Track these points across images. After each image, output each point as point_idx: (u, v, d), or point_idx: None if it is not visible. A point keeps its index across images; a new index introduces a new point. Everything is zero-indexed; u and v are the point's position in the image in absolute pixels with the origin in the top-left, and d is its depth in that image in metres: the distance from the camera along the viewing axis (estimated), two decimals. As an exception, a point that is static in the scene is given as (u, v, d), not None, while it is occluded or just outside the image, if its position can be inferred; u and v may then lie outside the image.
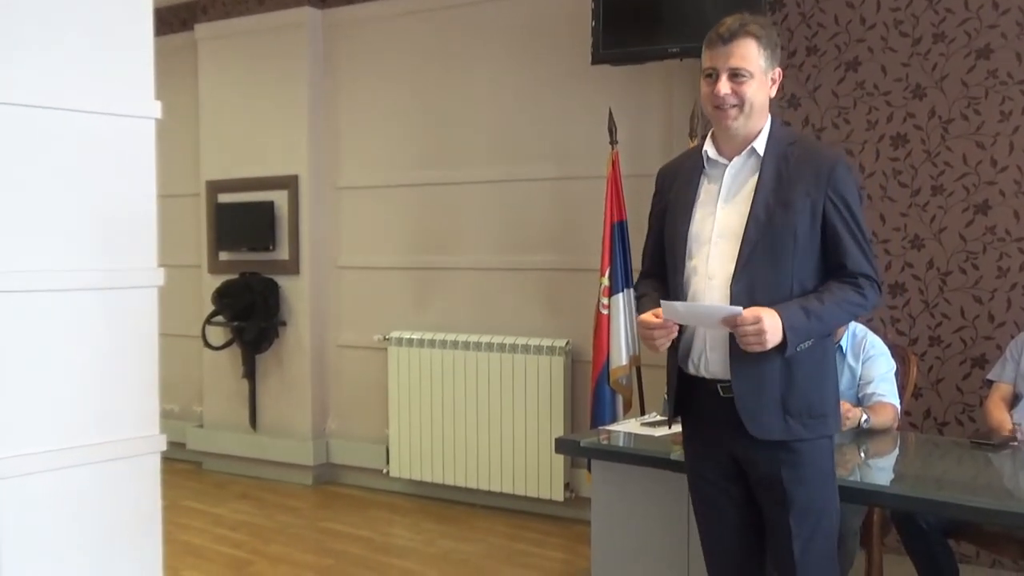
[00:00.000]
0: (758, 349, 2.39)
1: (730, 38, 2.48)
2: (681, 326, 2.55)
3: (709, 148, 2.59)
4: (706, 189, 2.58)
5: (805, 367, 2.48)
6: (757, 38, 2.48)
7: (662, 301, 2.49)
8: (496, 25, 5.50)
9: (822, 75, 4.61)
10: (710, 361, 2.53)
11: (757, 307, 2.39)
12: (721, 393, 2.51)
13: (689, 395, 2.60)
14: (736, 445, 2.53)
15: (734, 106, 2.49)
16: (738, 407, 2.47)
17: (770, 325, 2.36)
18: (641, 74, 4.96)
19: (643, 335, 2.56)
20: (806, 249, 2.47)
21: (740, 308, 2.40)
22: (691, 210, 2.58)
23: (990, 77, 4.24)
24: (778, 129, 2.56)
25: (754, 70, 2.48)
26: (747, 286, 2.45)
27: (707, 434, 2.62)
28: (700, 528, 2.71)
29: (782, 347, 2.40)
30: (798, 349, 2.43)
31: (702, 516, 2.70)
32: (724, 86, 2.48)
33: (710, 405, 2.55)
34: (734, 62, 2.48)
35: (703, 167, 2.60)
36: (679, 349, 2.59)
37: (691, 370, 2.57)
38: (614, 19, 4.69)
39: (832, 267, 2.49)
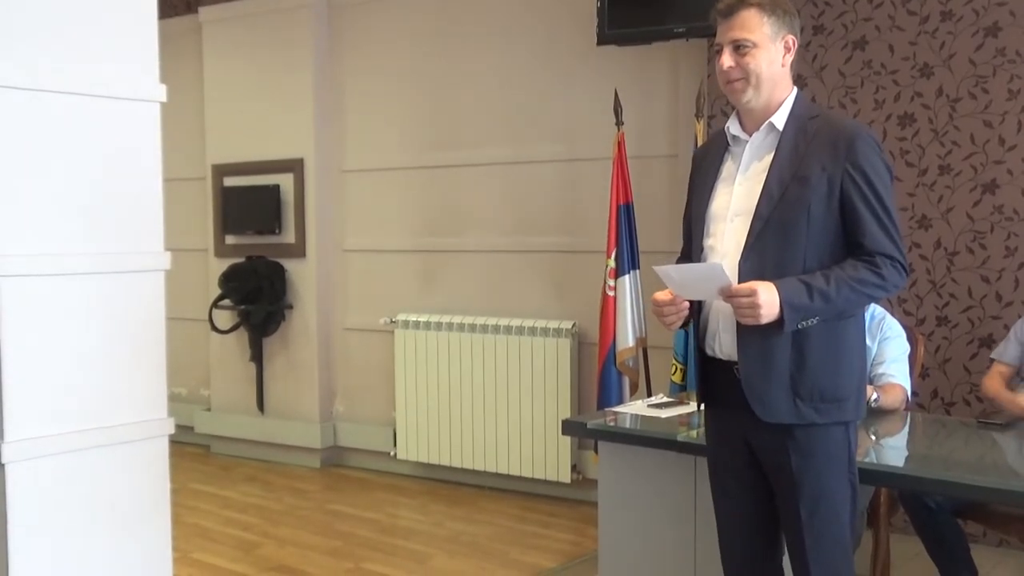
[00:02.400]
0: (752, 322, 2.32)
1: (729, 12, 2.45)
2: (696, 306, 2.53)
3: (732, 124, 2.54)
4: (728, 167, 2.54)
5: (818, 348, 2.38)
6: (759, 6, 2.42)
7: (655, 268, 2.47)
8: (501, 6, 5.48)
9: (829, 54, 4.59)
10: (723, 342, 2.48)
11: (757, 280, 2.33)
12: (736, 374, 2.45)
13: (711, 377, 2.56)
14: (748, 429, 2.47)
15: (740, 79, 2.43)
16: (744, 387, 2.41)
17: (765, 299, 2.29)
18: (647, 54, 4.94)
19: (655, 312, 2.54)
20: (821, 226, 2.36)
21: (719, 263, 2.37)
22: (712, 188, 2.54)
23: (998, 55, 4.22)
24: (801, 104, 2.49)
25: (757, 39, 2.42)
26: (756, 263, 2.38)
27: (724, 417, 2.57)
28: (716, 516, 2.65)
29: (781, 324, 2.31)
30: (800, 327, 2.34)
31: (717, 504, 2.64)
32: (727, 59, 2.44)
33: (726, 387, 2.49)
34: (735, 34, 2.43)
35: (727, 145, 2.56)
36: (700, 330, 2.56)
37: (709, 351, 2.54)
38: (619, -1, 4.67)
39: (851, 246, 2.39)
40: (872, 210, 2.36)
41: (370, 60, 5.95)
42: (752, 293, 2.30)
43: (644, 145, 4.99)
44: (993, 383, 3.59)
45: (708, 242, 2.51)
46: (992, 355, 3.74)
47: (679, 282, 2.44)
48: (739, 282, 2.37)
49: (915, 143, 4.40)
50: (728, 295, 2.34)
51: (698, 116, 4.58)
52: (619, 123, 4.75)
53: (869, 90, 4.49)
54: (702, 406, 2.64)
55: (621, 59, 4.98)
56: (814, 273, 2.36)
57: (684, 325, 2.58)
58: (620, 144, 4.74)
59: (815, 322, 2.36)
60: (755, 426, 2.44)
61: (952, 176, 4.33)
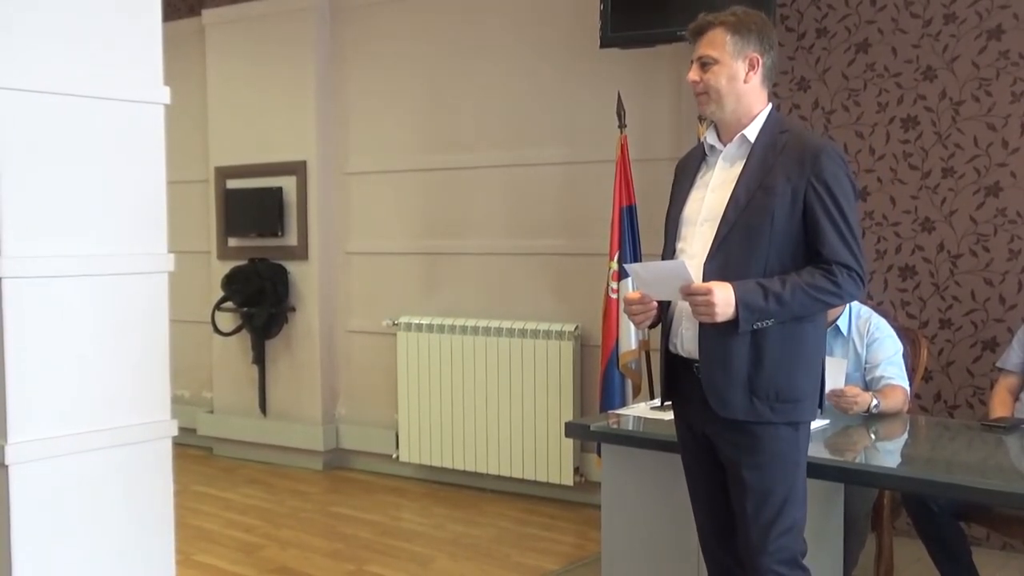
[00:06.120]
0: (708, 320, 2.44)
1: (698, 31, 2.61)
2: (665, 305, 2.63)
3: (709, 135, 2.68)
4: (703, 175, 2.67)
5: (775, 349, 2.49)
6: (724, 25, 2.56)
7: (625, 265, 2.57)
8: (504, 9, 5.48)
9: (832, 57, 4.58)
10: (685, 339, 2.60)
11: (716, 281, 2.45)
12: (697, 372, 2.56)
13: (676, 374, 2.67)
14: (707, 424, 2.59)
15: (702, 93, 2.60)
16: (703, 383, 2.52)
17: (721, 299, 2.41)
18: (650, 57, 4.94)
19: (625, 311, 2.69)
20: (783, 234, 2.48)
21: (683, 261, 2.50)
22: (687, 194, 2.67)
23: (1001, 58, 4.22)
24: (773, 119, 2.60)
25: (719, 56, 2.56)
26: (720, 266, 2.50)
27: (687, 413, 2.68)
28: (692, 506, 2.76)
29: (736, 323, 2.43)
30: (756, 327, 2.45)
31: (691, 495, 2.76)
32: (691, 74, 2.61)
33: (688, 383, 2.61)
34: (701, 50, 2.59)
35: (705, 154, 2.69)
36: (666, 328, 2.66)
37: (673, 349, 2.65)
38: (622, 2, 4.66)
39: (811, 254, 2.50)
40: (832, 221, 2.47)
41: (373, 63, 5.96)
42: (708, 292, 2.43)
43: (647, 147, 4.98)
44: (996, 404, 3.57)
45: (679, 245, 2.65)
46: (997, 363, 3.74)
47: (646, 279, 2.59)
48: (702, 282, 2.48)
49: (918, 146, 4.40)
50: (686, 293, 2.46)
51: (701, 119, 4.56)
52: (622, 125, 4.75)
53: (872, 93, 4.49)
54: (668, 402, 2.76)
55: (624, 62, 4.98)
56: (773, 277, 2.47)
57: (653, 326, 2.71)
58: (623, 146, 4.74)
59: (771, 323, 2.47)
60: (713, 421, 2.56)
61: (955, 179, 4.33)
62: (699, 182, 2.66)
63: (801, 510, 2.56)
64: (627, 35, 4.69)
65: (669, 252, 2.67)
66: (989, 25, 4.23)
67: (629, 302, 2.63)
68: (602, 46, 4.76)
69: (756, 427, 2.50)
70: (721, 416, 2.51)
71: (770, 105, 2.63)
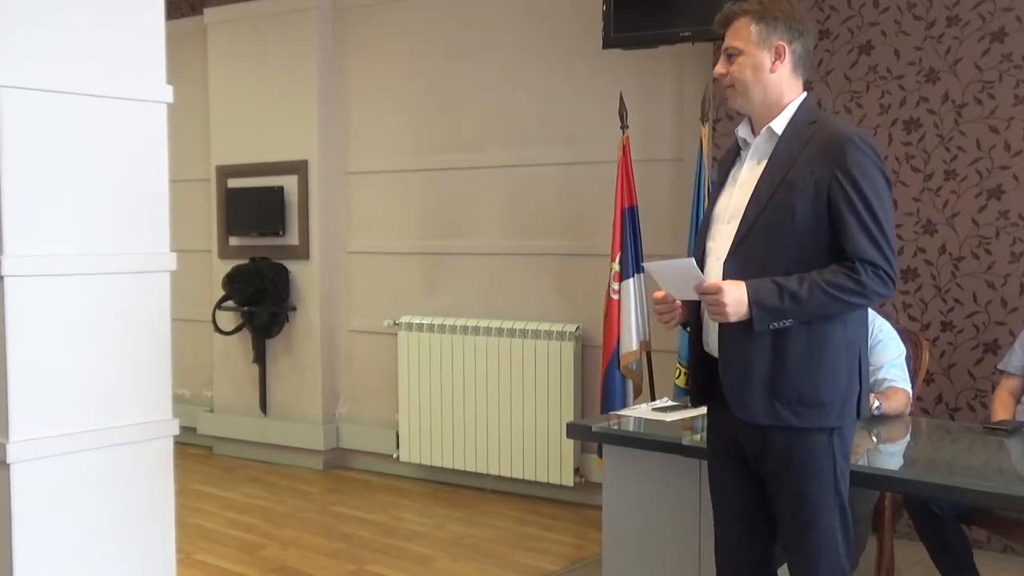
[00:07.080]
0: (720, 319, 2.37)
1: (724, 22, 2.54)
2: (695, 303, 2.56)
3: (741, 128, 2.59)
4: (735, 170, 2.59)
5: (798, 350, 2.39)
6: (749, 14, 2.48)
7: (643, 264, 2.53)
8: (506, 9, 5.48)
9: (835, 59, 4.58)
10: (711, 339, 2.54)
11: (730, 280, 2.37)
12: None
13: (708, 373, 2.58)
14: (736, 426, 2.50)
15: (728, 86, 2.52)
16: (723, 385, 2.45)
17: (732, 298, 2.32)
18: (652, 58, 4.94)
19: (654, 311, 2.64)
20: (806, 230, 2.37)
21: (692, 259, 2.45)
22: (720, 190, 2.60)
23: (1004, 61, 4.21)
24: (804, 109, 2.50)
25: (743, 46, 2.48)
26: (740, 264, 2.41)
27: (718, 413, 2.60)
28: (713, 511, 2.69)
29: (750, 323, 2.34)
30: (773, 327, 2.35)
31: (713, 498, 2.68)
32: (718, 66, 2.54)
33: (717, 383, 2.52)
34: (727, 42, 2.52)
35: (739, 148, 2.61)
36: (697, 328, 2.60)
37: (704, 347, 2.59)
38: (625, 3, 4.67)
39: (837, 251, 2.37)
40: (857, 215, 2.34)
41: (375, 62, 5.96)
42: (718, 291, 2.35)
43: (649, 149, 4.98)
44: (997, 407, 3.56)
45: (710, 244, 2.57)
46: (998, 366, 3.73)
47: (661, 277, 2.53)
48: (714, 281, 2.42)
49: (920, 148, 4.40)
50: (699, 292, 2.40)
51: (703, 120, 4.57)
52: (624, 126, 4.74)
53: (875, 95, 4.49)
54: (687, 409, 2.73)
55: (626, 63, 4.98)
56: (791, 275, 2.36)
57: (684, 324, 2.64)
58: (625, 147, 4.74)
59: (789, 323, 2.37)
60: (740, 424, 2.48)
61: (957, 181, 4.33)
62: (731, 177, 2.58)
63: (841, 518, 2.45)
64: (629, 36, 4.69)
65: (699, 250, 2.59)
66: (992, 28, 4.23)
67: (655, 301, 2.59)
68: (604, 47, 4.76)
69: (783, 432, 2.41)
70: (742, 419, 2.44)
71: (803, 94, 2.51)
